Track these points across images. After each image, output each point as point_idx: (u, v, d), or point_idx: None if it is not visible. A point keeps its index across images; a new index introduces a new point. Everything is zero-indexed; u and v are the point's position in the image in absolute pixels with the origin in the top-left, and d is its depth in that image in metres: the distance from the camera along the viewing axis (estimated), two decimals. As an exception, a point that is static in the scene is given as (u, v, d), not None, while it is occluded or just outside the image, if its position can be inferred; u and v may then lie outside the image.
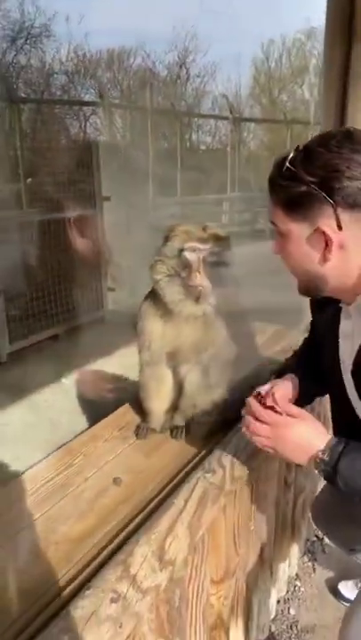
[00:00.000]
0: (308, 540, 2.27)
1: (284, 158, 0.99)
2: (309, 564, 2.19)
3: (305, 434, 1.06)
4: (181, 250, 1.37)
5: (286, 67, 17.30)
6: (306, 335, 1.45)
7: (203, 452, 1.47)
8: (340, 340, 1.14)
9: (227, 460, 1.34)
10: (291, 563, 2.07)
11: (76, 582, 1.02)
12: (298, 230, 1.01)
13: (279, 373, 1.32)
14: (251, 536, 1.58)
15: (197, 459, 1.44)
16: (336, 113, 2.11)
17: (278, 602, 1.96)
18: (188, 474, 1.33)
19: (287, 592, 2.03)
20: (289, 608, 1.96)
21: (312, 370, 1.29)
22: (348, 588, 1.98)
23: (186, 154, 12.83)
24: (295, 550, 2.10)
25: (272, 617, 1.90)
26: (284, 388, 1.20)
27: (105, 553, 1.10)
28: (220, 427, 1.59)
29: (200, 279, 1.36)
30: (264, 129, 16.40)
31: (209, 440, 1.54)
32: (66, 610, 0.89)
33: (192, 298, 1.38)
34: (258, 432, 1.11)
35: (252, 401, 1.14)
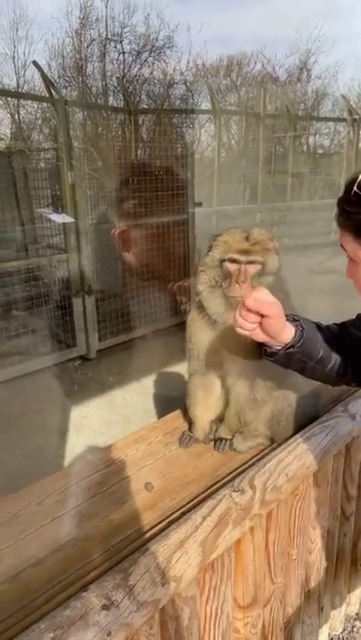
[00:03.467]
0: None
1: (353, 181, 0.94)
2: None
3: None
4: (222, 260, 1.33)
5: None
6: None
7: (240, 469, 1.41)
8: None
9: (260, 481, 1.26)
10: (351, 601, 1.90)
11: (81, 582, 1.04)
12: None
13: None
14: (292, 565, 1.48)
15: (232, 475, 1.38)
16: None
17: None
18: (218, 489, 1.29)
19: (343, 631, 1.86)
20: (343, 649, 1.80)
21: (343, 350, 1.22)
22: None
23: (299, 158, 12.48)
24: (358, 588, 1.92)
25: (321, 656, 1.76)
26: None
27: (115, 557, 1.10)
28: (266, 445, 1.52)
29: (240, 290, 1.31)
30: (389, 130, 15.32)
31: (252, 457, 1.48)
32: (57, 609, 0.91)
33: (233, 308, 1.33)
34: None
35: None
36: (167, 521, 1.20)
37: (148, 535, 1.15)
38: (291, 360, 1.18)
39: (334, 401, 1.68)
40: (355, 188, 0.92)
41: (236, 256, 1.32)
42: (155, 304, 4.47)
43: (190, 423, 1.60)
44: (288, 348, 1.16)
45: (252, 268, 1.33)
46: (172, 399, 2.86)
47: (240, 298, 1.31)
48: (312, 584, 1.60)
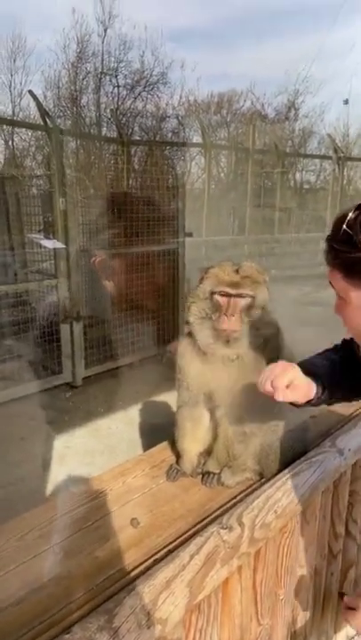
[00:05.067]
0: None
1: (342, 219, 0.92)
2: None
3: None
4: (212, 293, 1.35)
5: None
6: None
7: (228, 505, 1.39)
8: None
9: (248, 517, 1.25)
10: (337, 642, 1.85)
11: (63, 623, 1.00)
12: (357, 298, 0.96)
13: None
14: (279, 605, 1.44)
15: (220, 511, 1.36)
16: None
17: None
18: (206, 526, 1.26)
19: None
20: None
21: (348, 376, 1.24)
22: None
23: (286, 192, 12.80)
24: (344, 628, 1.88)
25: None
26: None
27: (100, 597, 1.07)
28: (254, 480, 1.51)
29: (229, 323, 1.32)
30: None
31: (240, 492, 1.46)
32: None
33: (222, 341, 1.34)
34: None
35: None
36: (153, 559, 1.17)
37: (133, 574, 1.12)
38: (318, 404, 1.25)
39: (323, 435, 1.67)
40: (344, 226, 0.91)
41: (226, 289, 1.33)
42: (142, 332, 4.47)
43: (178, 456, 1.59)
44: (312, 402, 1.21)
45: (242, 301, 1.34)
46: (158, 429, 2.84)
47: (228, 330, 1.33)
48: (298, 624, 1.56)
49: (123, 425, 3.13)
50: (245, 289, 1.34)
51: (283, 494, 1.34)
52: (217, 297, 1.34)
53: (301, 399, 1.18)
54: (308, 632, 1.62)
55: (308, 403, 1.22)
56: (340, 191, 12.15)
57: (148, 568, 1.11)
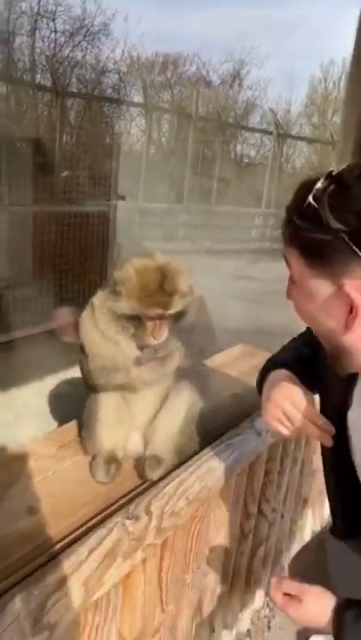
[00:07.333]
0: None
1: (307, 188, 0.74)
2: (265, 620, 1.97)
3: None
4: (135, 315, 1.22)
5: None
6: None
7: (139, 489, 1.29)
8: (349, 430, 0.96)
9: (157, 506, 1.16)
10: (243, 617, 1.87)
11: None
12: (314, 284, 0.78)
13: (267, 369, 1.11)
14: (186, 590, 1.39)
15: (131, 495, 1.26)
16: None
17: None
18: (112, 514, 1.16)
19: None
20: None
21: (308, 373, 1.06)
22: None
23: (227, 164, 12.73)
24: (251, 604, 1.89)
25: None
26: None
27: (-19, 601, 0.93)
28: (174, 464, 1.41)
29: (156, 339, 1.23)
30: (312, 149, 16.17)
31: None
32: None
33: (148, 351, 1.25)
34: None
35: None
36: (47, 554, 1.05)
37: (21, 574, 0.99)
38: None
39: (243, 414, 1.62)
40: (310, 198, 0.73)
41: (152, 312, 1.20)
42: (65, 298, 4.22)
43: (90, 441, 1.44)
44: None
45: (170, 319, 1.23)
46: (74, 404, 2.69)
47: (156, 344, 1.23)
48: (205, 606, 1.53)
49: (38, 397, 2.95)
50: (174, 306, 1.21)
51: (196, 479, 1.27)
52: (142, 319, 1.21)
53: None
54: (214, 612, 1.60)
55: None
56: (278, 168, 12.26)
57: (40, 566, 0.99)
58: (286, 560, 2.13)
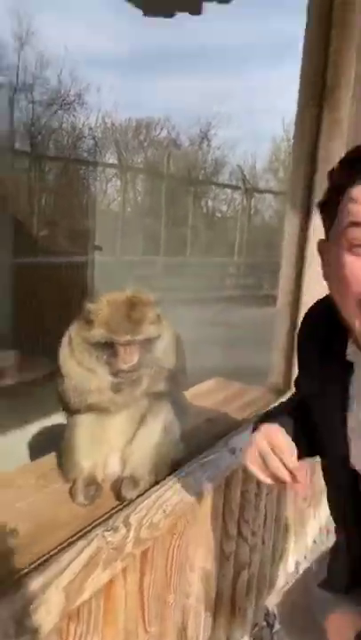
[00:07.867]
0: (256, 624, 2.04)
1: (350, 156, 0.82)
2: (255, 654, 1.95)
3: None
4: (106, 342, 1.32)
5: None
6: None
7: (118, 509, 1.34)
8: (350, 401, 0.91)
9: (135, 518, 1.21)
10: (231, 651, 1.85)
11: None
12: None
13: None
14: (169, 611, 1.41)
15: (110, 514, 1.31)
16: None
17: None
18: (91, 530, 1.21)
19: None
20: None
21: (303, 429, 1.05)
22: None
23: (199, 219, 13.28)
24: (236, 635, 1.88)
25: None
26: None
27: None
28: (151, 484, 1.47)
29: (128, 364, 1.32)
30: (280, 201, 17.00)
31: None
32: None
33: (121, 376, 1.33)
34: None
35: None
36: (31, 567, 1.09)
37: (5, 584, 1.02)
38: None
39: (217, 437, 1.69)
40: (328, 170, 0.83)
41: (122, 338, 1.30)
42: (42, 349, 4.28)
43: (70, 466, 1.49)
44: None
45: (140, 345, 1.33)
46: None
47: (127, 369, 1.32)
48: (190, 632, 1.53)
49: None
50: (142, 332, 1.32)
51: (173, 493, 1.33)
52: (114, 345, 1.32)
53: None
54: (200, 639, 1.60)
55: None
56: (248, 220, 12.84)
57: (23, 576, 1.03)
58: (272, 598, 2.10)
